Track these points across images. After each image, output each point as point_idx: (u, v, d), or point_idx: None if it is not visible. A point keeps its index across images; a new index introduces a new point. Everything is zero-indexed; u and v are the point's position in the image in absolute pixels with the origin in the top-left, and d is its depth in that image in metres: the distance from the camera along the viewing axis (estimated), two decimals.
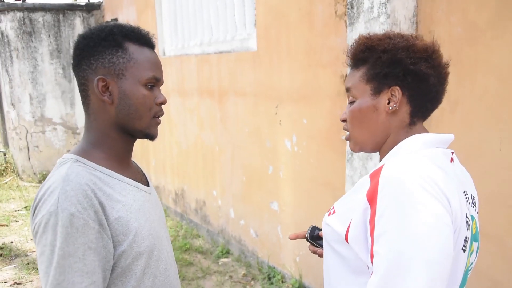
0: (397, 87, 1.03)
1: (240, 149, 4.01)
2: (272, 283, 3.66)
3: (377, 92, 1.05)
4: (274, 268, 3.76)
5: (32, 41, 6.80)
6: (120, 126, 1.12)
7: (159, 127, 1.19)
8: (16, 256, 4.39)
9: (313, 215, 3.26)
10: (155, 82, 1.13)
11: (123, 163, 1.16)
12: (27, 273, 3.99)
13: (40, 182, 6.95)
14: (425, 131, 1.07)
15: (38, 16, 6.79)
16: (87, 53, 1.09)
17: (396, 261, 0.86)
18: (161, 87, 1.18)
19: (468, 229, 0.98)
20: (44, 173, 7.00)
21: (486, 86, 2.04)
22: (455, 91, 2.09)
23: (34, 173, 7.09)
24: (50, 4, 6.90)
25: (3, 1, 8.07)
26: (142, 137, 1.17)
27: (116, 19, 6.50)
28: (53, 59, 6.93)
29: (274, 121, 3.51)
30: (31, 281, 3.87)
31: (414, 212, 0.87)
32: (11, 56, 6.83)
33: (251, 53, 3.70)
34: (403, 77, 1.02)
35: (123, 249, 1.05)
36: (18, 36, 6.76)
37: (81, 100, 1.14)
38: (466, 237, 0.97)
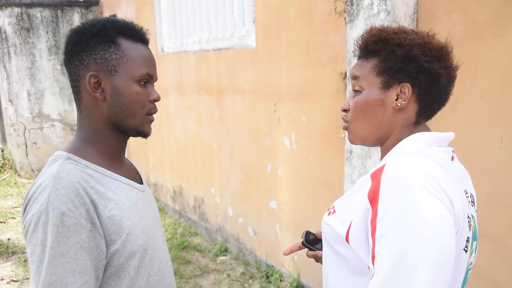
0: (408, 84, 1.01)
1: (238, 147, 3.99)
2: (270, 282, 3.65)
3: (386, 86, 1.03)
4: (272, 266, 3.75)
5: (30, 37, 6.77)
6: (112, 123, 1.10)
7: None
8: (13, 253, 4.37)
9: (311, 214, 3.24)
10: (149, 78, 1.11)
11: (116, 160, 1.14)
12: (24, 270, 3.98)
13: None
14: (428, 130, 1.06)
15: (36, 12, 6.76)
16: (79, 48, 1.07)
17: (399, 262, 0.84)
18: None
19: (469, 229, 0.97)
20: (42, 169, 6.97)
21: (487, 84, 2.02)
22: (455, 89, 2.06)
23: (32, 170, 7.07)
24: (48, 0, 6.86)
25: None
26: (135, 135, 1.15)
27: (114, 15, 6.47)
28: (51, 55, 6.90)
29: (273, 119, 3.49)
30: (28, 278, 3.86)
31: (417, 213, 0.85)
32: (9, 52, 6.80)
33: (250, 50, 3.68)
34: (415, 74, 1.00)
35: (116, 248, 1.03)
36: (16, 32, 6.73)
37: (73, 96, 1.12)
38: (468, 238, 0.96)
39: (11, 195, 6.24)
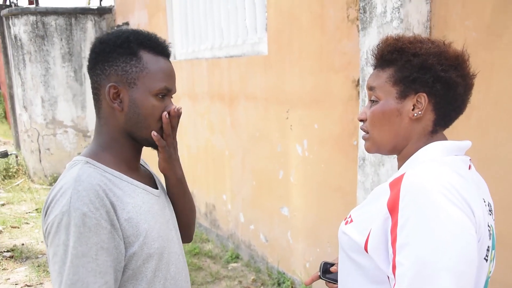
0: (424, 94, 1.01)
1: (250, 154, 3.99)
2: None
3: (403, 96, 1.03)
4: (283, 273, 3.74)
5: (44, 44, 6.86)
6: (128, 132, 1.13)
7: None
8: (27, 258, 4.42)
9: (323, 221, 3.23)
10: (167, 92, 1.14)
11: (131, 166, 1.17)
12: (37, 275, 4.01)
13: (51, 184, 6.99)
14: (445, 138, 1.06)
15: (51, 20, 6.85)
16: (102, 58, 1.10)
17: (421, 272, 0.84)
18: (173, 94, 1.18)
19: (490, 238, 0.97)
20: (55, 175, 7.04)
21: (502, 91, 2.01)
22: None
23: (45, 176, 7.14)
24: (62, 8, 6.95)
25: (17, 5, 8.17)
26: (147, 145, 1.18)
27: (127, 23, 6.54)
28: (64, 62, 6.98)
29: (285, 126, 3.49)
30: (41, 283, 3.89)
31: (438, 222, 0.85)
32: (23, 60, 6.90)
33: (262, 57, 3.69)
34: (432, 83, 1.00)
35: (134, 250, 1.05)
36: (31, 40, 6.82)
37: (94, 102, 1.16)
38: (488, 247, 0.96)
39: (24, 201, 6.31)
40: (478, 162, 2.06)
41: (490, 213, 1.03)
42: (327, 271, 1.26)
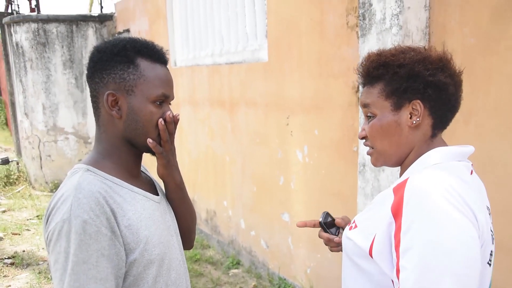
0: (418, 101, 1.02)
1: (251, 160, 4.00)
2: None
3: (397, 107, 1.04)
4: (284, 279, 3.73)
5: (45, 51, 6.89)
6: (127, 139, 1.14)
7: None
8: (28, 265, 4.42)
9: None
10: (164, 99, 1.15)
11: (131, 173, 1.18)
12: (38, 282, 4.01)
13: (51, 191, 7.00)
14: (445, 143, 1.07)
15: (52, 27, 6.89)
16: (100, 66, 1.12)
17: (425, 276, 0.85)
18: (171, 101, 1.20)
19: (492, 243, 0.98)
20: (55, 182, 7.05)
21: (500, 96, 2.02)
22: (468, 102, 2.07)
23: (46, 182, 7.15)
24: (64, 15, 7.00)
25: (19, 13, 8.21)
26: (146, 151, 1.19)
27: (128, 30, 6.57)
28: (66, 69, 7.01)
29: (285, 132, 3.50)
30: None
31: (441, 227, 0.87)
32: (25, 67, 6.93)
33: (262, 64, 3.71)
34: (423, 89, 1.01)
35: (135, 257, 1.06)
36: (32, 47, 6.86)
37: (93, 111, 1.17)
38: (491, 251, 0.97)
39: (25, 207, 6.31)
40: (477, 167, 2.06)
41: (489, 217, 1.05)
42: (328, 223, 1.28)
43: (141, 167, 1.28)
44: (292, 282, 3.65)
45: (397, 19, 2.22)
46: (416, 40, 2.24)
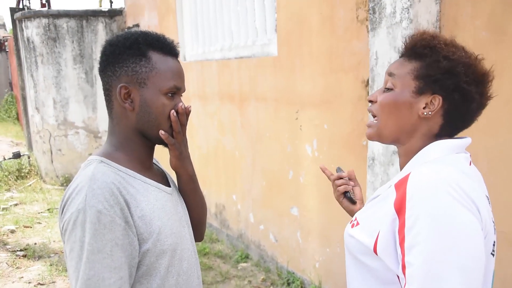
0: (440, 97, 1.01)
1: (260, 154, 4.01)
2: None
3: (419, 92, 1.03)
4: (293, 273, 3.75)
5: (56, 46, 6.94)
6: (140, 131, 1.16)
7: None
8: (40, 257, 4.47)
9: (333, 221, 3.24)
10: (176, 91, 1.17)
11: (144, 165, 1.20)
12: (50, 274, 4.06)
13: (62, 185, 7.07)
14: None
15: (62, 22, 6.93)
16: (112, 60, 1.14)
17: (431, 270, 0.86)
18: (183, 93, 1.21)
19: (494, 233, 0.98)
20: (66, 176, 7.11)
21: None
22: None
23: (57, 176, 7.22)
24: (74, 10, 7.03)
25: (30, 8, 8.28)
26: (159, 143, 1.21)
27: (137, 25, 6.59)
28: (76, 64, 7.06)
29: (295, 126, 3.51)
30: (53, 282, 3.94)
31: (446, 221, 0.87)
32: (36, 62, 6.98)
33: (272, 58, 3.71)
34: (451, 90, 1.00)
35: (148, 247, 1.08)
36: (43, 42, 6.91)
37: (106, 104, 1.19)
38: (494, 242, 0.98)
39: (36, 201, 6.39)
40: (487, 162, 2.06)
41: (489, 206, 1.05)
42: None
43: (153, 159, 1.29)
44: (301, 276, 3.66)
45: (408, 13, 2.21)
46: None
